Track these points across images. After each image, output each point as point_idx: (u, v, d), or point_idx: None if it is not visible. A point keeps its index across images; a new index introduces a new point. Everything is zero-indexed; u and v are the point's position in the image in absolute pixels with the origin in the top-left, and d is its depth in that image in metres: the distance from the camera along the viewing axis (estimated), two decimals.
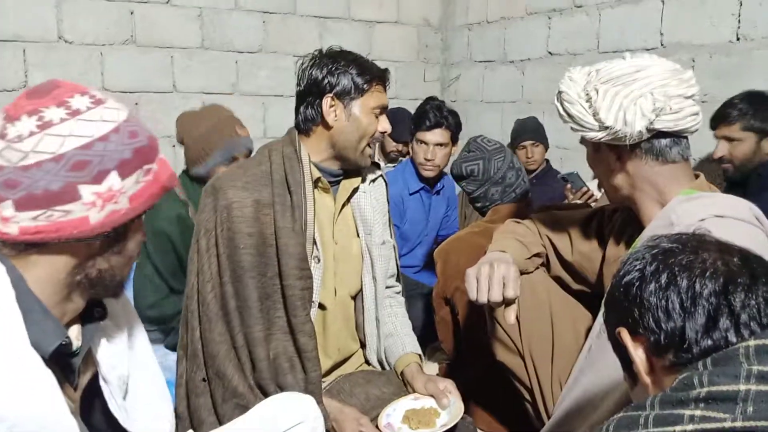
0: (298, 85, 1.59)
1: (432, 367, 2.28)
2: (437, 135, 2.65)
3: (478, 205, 2.30)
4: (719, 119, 2.33)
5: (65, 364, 0.94)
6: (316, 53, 1.59)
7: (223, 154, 2.23)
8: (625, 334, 0.80)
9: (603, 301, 0.90)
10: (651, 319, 0.76)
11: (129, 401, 1.07)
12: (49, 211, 0.82)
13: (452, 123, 2.67)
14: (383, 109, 1.59)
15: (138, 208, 0.90)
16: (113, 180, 0.85)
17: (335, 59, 1.55)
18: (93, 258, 0.90)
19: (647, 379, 0.78)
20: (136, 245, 0.97)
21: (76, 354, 0.95)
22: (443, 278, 2.11)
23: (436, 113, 2.64)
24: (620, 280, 0.82)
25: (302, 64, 1.58)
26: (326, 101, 1.52)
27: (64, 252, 0.87)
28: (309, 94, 1.55)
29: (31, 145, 0.81)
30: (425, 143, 2.67)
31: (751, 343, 0.68)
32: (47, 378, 0.84)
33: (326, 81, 1.52)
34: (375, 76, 1.56)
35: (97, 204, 0.84)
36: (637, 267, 0.80)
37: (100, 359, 1.01)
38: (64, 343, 0.89)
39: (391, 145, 3.34)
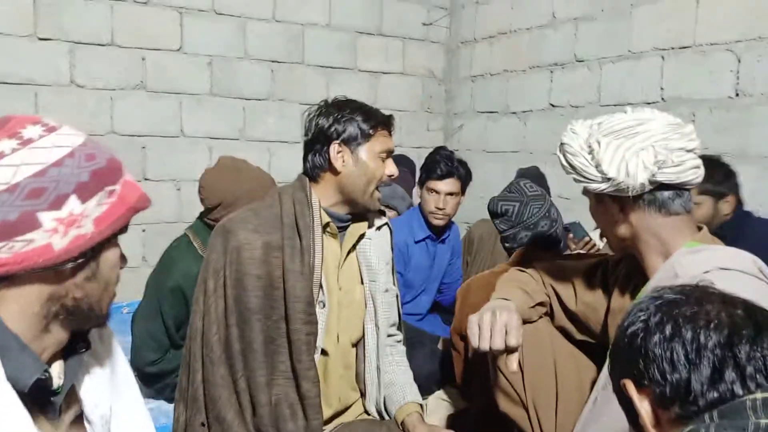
0: (306, 134, 1.62)
1: (435, 418, 2.24)
2: (449, 184, 2.68)
3: (507, 245, 2.33)
4: None
5: (46, 402, 0.92)
6: (322, 103, 1.63)
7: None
8: (630, 386, 0.79)
9: (608, 353, 0.89)
10: (656, 371, 0.76)
11: None
12: (10, 243, 0.80)
13: (463, 173, 2.71)
14: (389, 153, 1.63)
15: (105, 231, 0.88)
16: (73, 204, 0.83)
17: (341, 108, 1.59)
18: (66, 287, 0.88)
19: None
20: (111, 270, 0.94)
21: (58, 392, 0.93)
22: (460, 315, 2.10)
23: (447, 163, 2.67)
24: (624, 331, 0.82)
25: (309, 114, 1.62)
26: (333, 147, 1.55)
27: (34, 282, 0.85)
28: (317, 142, 1.58)
29: None
30: (436, 192, 2.69)
31: (758, 395, 0.68)
32: (20, 415, 0.81)
33: (333, 129, 1.56)
34: (380, 121, 1.60)
35: (59, 230, 0.82)
36: (642, 318, 0.80)
37: (83, 397, 0.99)
38: (42, 377, 0.86)
39: None
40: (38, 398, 0.89)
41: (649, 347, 0.77)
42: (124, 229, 0.94)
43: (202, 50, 3.69)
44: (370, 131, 1.57)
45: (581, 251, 2.75)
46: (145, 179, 3.59)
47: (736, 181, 2.48)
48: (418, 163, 3.82)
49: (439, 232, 2.83)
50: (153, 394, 2.38)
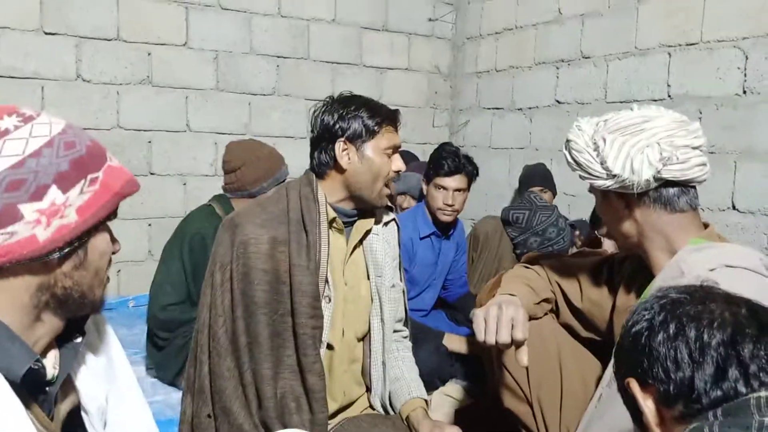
0: (312, 131, 1.62)
1: (439, 414, 2.25)
2: (457, 181, 2.68)
3: (517, 251, 2.41)
4: (599, 219, 2.57)
5: (41, 392, 0.91)
6: (327, 99, 1.62)
7: (278, 178, 2.51)
8: (634, 385, 0.79)
9: (613, 352, 0.90)
10: (660, 369, 0.76)
11: None
12: None
13: (470, 169, 2.71)
14: (396, 149, 1.62)
15: (90, 220, 0.87)
16: (54, 194, 0.82)
17: (346, 104, 1.58)
18: (54, 276, 0.87)
19: (657, 431, 0.77)
20: (100, 257, 0.93)
21: (52, 382, 0.93)
22: None
23: (454, 159, 2.67)
24: (629, 330, 0.82)
25: (314, 111, 1.62)
26: (339, 145, 1.55)
27: (21, 274, 0.84)
28: (322, 139, 1.58)
29: None
30: (444, 189, 2.69)
31: (762, 394, 0.68)
32: (12, 404, 0.81)
33: (338, 126, 1.55)
34: (385, 117, 1.59)
35: (42, 221, 0.82)
36: (646, 317, 0.80)
37: (79, 387, 0.99)
38: (35, 367, 0.86)
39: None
40: (33, 389, 0.89)
41: (653, 346, 0.77)
42: (112, 216, 0.93)
43: (208, 45, 3.70)
44: (375, 128, 1.57)
45: (586, 248, 2.77)
46: (151, 174, 3.60)
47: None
48: (423, 159, 3.82)
49: (444, 228, 2.83)
50: (155, 374, 2.43)
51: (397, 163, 1.61)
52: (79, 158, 0.86)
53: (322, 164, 1.59)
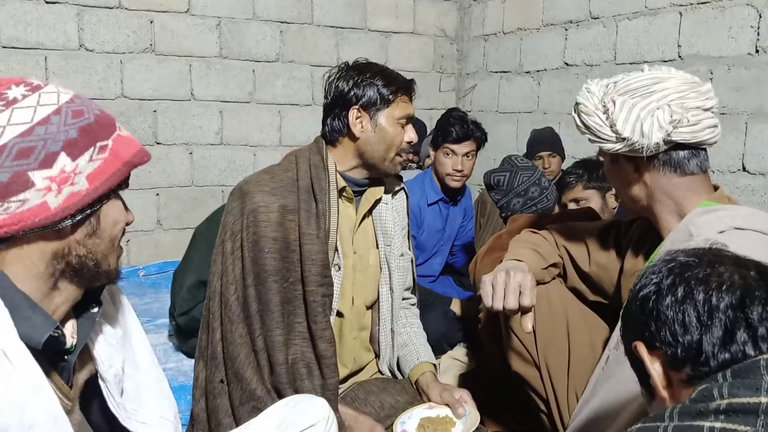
0: (325, 97, 1.60)
1: (447, 377, 2.28)
2: (466, 146, 2.66)
3: (502, 215, 2.40)
4: (562, 188, 2.62)
5: (60, 361, 0.94)
6: (343, 65, 1.60)
7: None
8: (641, 348, 0.79)
9: (620, 315, 0.90)
10: (668, 333, 0.76)
11: (127, 399, 1.06)
12: (4, 204, 0.81)
13: (479, 135, 2.69)
14: (409, 119, 1.61)
15: (100, 188, 0.88)
16: (64, 161, 0.83)
17: (361, 71, 1.56)
18: (68, 244, 0.88)
19: (665, 393, 0.78)
20: (113, 225, 0.93)
21: (71, 351, 0.94)
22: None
23: (463, 125, 2.65)
24: (636, 293, 0.82)
25: (329, 76, 1.60)
26: (352, 113, 1.54)
27: (35, 242, 0.85)
28: (336, 105, 1.57)
29: None
30: (454, 154, 2.67)
31: None
32: (34, 371, 0.83)
33: (352, 93, 1.54)
34: (400, 86, 1.57)
35: (53, 188, 0.82)
36: (654, 281, 0.80)
37: (97, 356, 1.00)
38: (55, 334, 0.87)
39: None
40: (52, 358, 0.91)
41: (660, 309, 0.77)
42: (123, 185, 0.93)
43: (210, 12, 3.65)
44: (390, 96, 1.55)
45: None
46: (157, 143, 3.60)
47: None
48: (430, 124, 3.79)
49: (452, 195, 2.82)
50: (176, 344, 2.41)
51: (410, 134, 1.60)
52: (87, 126, 0.87)
53: (335, 131, 1.58)
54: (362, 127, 1.55)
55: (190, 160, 3.72)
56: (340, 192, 1.58)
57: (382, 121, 1.56)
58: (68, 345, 0.94)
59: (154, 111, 3.58)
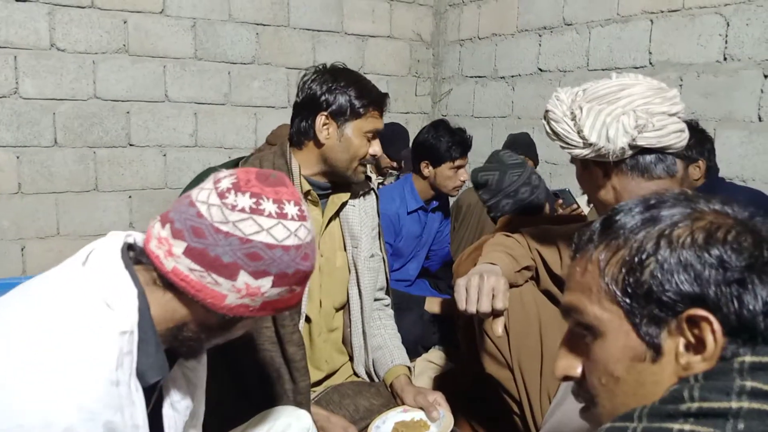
0: (297, 95, 1.59)
1: (422, 379, 2.28)
2: (466, 156, 2.67)
3: (491, 214, 2.36)
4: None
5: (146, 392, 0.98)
6: (320, 67, 1.58)
7: None
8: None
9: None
10: None
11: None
12: (206, 273, 0.88)
13: (469, 141, 2.70)
14: (376, 134, 1.60)
15: (261, 313, 0.95)
16: (266, 282, 0.91)
17: (336, 77, 1.54)
18: (195, 322, 0.95)
19: None
20: (225, 338, 1.01)
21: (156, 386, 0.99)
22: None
23: (462, 137, 2.63)
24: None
25: (304, 75, 1.58)
26: (320, 119, 1.53)
27: (189, 307, 0.92)
28: (305, 107, 1.55)
29: (236, 218, 0.88)
30: (462, 167, 2.65)
31: (747, 359, 0.68)
32: (142, 408, 0.88)
33: (324, 98, 1.52)
34: (373, 101, 1.56)
35: (241, 292, 0.90)
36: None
37: (171, 387, 1.04)
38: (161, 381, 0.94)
39: (385, 161, 3.35)
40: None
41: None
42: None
43: (185, 13, 3.61)
44: (361, 110, 1.53)
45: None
46: (130, 145, 3.55)
47: (710, 146, 2.50)
48: (406, 129, 3.79)
49: (431, 202, 2.82)
50: None
51: (375, 148, 1.59)
52: (303, 271, 0.95)
53: (301, 133, 1.57)
54: (328, 134, 1.53)
55: (164, 162, 3.68)
56: (305, 195, 1.57)
57: (349, 132, 1.54)
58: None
59: (128, 112, 3.53)
